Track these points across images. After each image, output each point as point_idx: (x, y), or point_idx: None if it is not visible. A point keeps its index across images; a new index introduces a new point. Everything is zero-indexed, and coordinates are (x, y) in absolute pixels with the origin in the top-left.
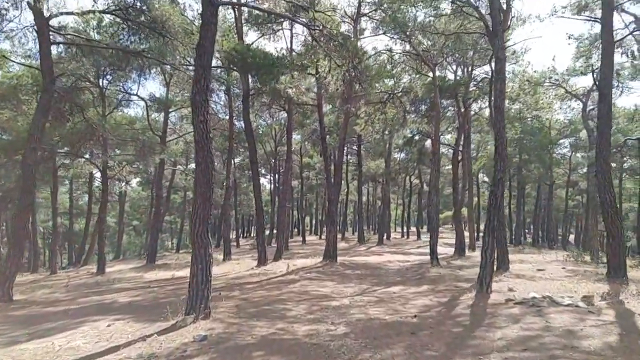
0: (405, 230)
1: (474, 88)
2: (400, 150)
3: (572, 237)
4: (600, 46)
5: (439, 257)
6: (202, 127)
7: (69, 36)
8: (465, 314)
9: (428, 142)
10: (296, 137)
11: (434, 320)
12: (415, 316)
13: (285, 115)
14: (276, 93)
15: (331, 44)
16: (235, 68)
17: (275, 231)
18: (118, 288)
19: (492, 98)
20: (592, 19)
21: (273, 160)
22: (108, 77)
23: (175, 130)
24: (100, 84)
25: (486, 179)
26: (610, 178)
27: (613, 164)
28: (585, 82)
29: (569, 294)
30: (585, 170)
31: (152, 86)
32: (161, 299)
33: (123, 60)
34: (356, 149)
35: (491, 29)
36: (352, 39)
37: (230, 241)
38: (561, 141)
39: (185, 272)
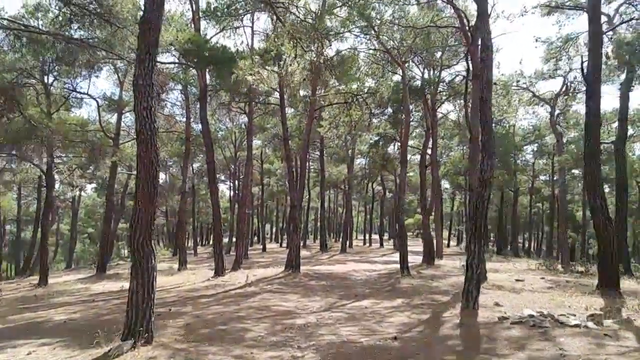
0: (367, 237)
1: (443, 89)
2: (363, 156)
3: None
4: (586, 40)
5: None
6: (145, 114)
7: (4, 22)
8: (455, 336)
9: (391, 148)
10: (257, 142)
11: (419, 343)
12: (395, 338)
13: (246, 119)
14: (235, 89)
15: (298, 26)
16: (191, 63)
17: (234, 239)
18: (57, 302)
19: (479, 88)
20: (578, 8)
21: (233, 167)
22: (54, 72)
23: (129, 133)
24: (46, 80)
25: (447, 185)
26: (601, 182)
27: (576, 171)
28: (552, 86)
29: (568, 310)
30: (547, 177)
31: (106, 85)
32: (103, 316)
33: (68, 52)
34: (319, 153)
35: (465, 20)
36: (322, 19)
37: (186, 250)
38: (525, 147)
39: None
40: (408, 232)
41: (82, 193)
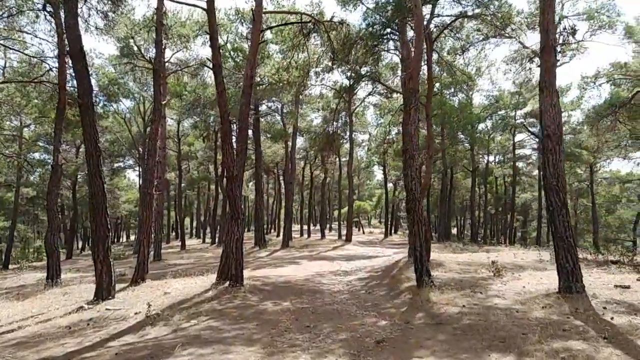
0: (304, 228)
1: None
2: (302, 134)
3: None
4: None
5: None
6: None
7: None
8: None
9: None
10: (171, 117)
11: None
12: None
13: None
14: None
15: None
16: None
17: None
18: None
19: None
20: None
21: (141, 149)
22: None
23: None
24: None
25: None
26: None
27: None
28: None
29: None
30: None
31: None
32: None
33: None
34: (253, 125)
35: None
36: None
37: (58, 255)
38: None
39: None
40: (335, 223)
41: None
